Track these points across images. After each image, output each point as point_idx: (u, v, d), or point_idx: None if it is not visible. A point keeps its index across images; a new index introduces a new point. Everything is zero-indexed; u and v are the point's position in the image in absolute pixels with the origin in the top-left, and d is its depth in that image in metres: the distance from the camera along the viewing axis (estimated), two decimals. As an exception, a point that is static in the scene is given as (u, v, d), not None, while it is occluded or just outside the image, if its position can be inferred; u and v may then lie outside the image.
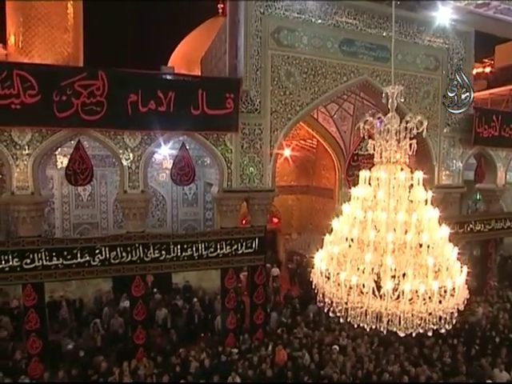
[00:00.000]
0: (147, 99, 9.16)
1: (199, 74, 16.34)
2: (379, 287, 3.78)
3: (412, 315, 3.72)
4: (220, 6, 23.29)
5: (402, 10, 11.81)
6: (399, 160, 4.17)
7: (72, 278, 10.08)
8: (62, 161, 13.34)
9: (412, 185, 4.20)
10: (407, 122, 4.14)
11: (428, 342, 9.90)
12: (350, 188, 4.52)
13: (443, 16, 12.20)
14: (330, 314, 4.13)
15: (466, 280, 4.01)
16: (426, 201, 4.15)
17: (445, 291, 3.72)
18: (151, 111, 9.23)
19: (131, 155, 9.73)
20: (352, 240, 4.09)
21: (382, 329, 3.84)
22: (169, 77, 10.73)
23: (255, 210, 11.09)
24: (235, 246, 10.59)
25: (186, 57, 21.22)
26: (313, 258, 4.41)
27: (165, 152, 11.62)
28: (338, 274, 3.98)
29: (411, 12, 12.15)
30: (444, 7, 12.03)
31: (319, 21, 11.04)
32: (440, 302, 3.71)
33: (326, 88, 11.36)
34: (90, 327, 11.06)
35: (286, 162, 18.43)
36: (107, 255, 9.49)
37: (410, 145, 4.20)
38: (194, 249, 10.18)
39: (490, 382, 8.69)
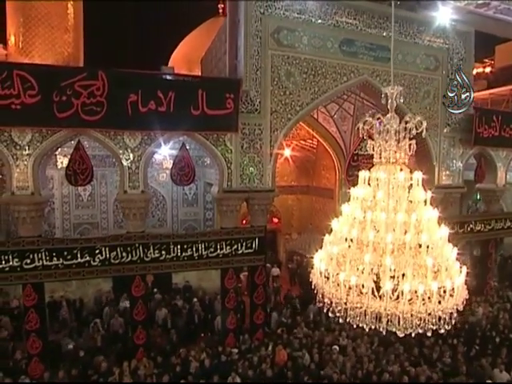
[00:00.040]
0: (147, 99, 9.17)
1: (199, 74, 16.35)
2: (378, 287, 3.78)
3: (411, 315, 3.72)
4: (220, 5, 23.29)
5: (402, 10, 11.82)
6: (398, 160, 4.17)
7: (72, 278, 10.09)
8: (63, 161, 13.35)
9: (411, 185, 4.20)
10: (406, 123, 4.14)
11: (428, 342, 9.90)
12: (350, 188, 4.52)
13: (443, 16, 12.20)
14: (330, 315, 4.13)
15: (466, 280, 4.01)
16: (426, 201, 4.15)
17: (444, 291, 3.72)
18: (151, 111, 9.24)
19: (131, 155, 9.74)
20: (351, 240, 4.09)
21: (381, 329, 3.84)
22: (169, 77, 10.75)
23: (255, 210, 11.09)
24: (235, 246, 10.59)
25: (186, 57, 21.24)
26: (312, 258, 4.42)
27: (165, 152, 11.63)
28: (337, 274, 3.99)
29: (411, 12, 12.16)
30: (444, 7, 12.03)
31: (319, 21, 11.04)
32: (439, 302, 3.71)
33: (326, 88, 11.36)
34: (90, 327, 11.07)
35: (287, 162, 18.43)
36: (107, 255, 9.50)
37: (410, 145, 4.20)
38: (194, 249, 10.18)
39: (489, 382, 8.69)
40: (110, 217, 14.81)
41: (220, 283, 11.12)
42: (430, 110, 12.90)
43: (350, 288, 3.87)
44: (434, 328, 3.79)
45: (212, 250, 10.34)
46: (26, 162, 9.04)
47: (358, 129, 4.30)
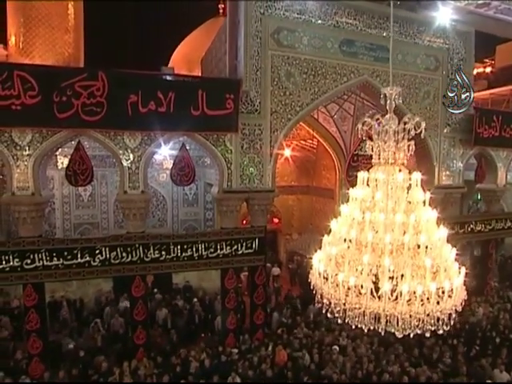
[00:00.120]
0: (147, 100, 9.18)
1: (200, 74, 16.36)
2: (377, 288, 3.79)
3: (410, 316, 3.73)
4: (220, 6, 23.29)
5: (402, 10, 11.81)
6: (397, 161, 4.17)
7: (72, 279, 10.11)
8: (63, 161, 13.36)
9: (410, 186, 4.20)
10: (405, 123, 4.14)
11: (428, 343, 9.89)
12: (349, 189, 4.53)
13: (443, 16, 12.20)
14: (328, 315, 4.13)
15: (465, 281, 4.02)
16: (424, 202, 4.15)
17: (443, 292, 3.72)
18: (151, 112, 9.25)
19: (131, 156, 9.75)
20: (350, 241, 4.10)
21: (380, 330, 3.84)
22: (169, 77, 10.76)
23: (255, 211, 11.10)
24: (235, 247, 10.59)
25: (186, 57, 21.24)
26: (312, 258, 4.42)
27: (165, 152, 11.64)
28: (336, 274, 3.99)
29: (411, 12, 12.15)
30: (444, 7, 12.02)
31: (319, 21, 11.04)
32: (438, 303, 3.72)
33: (326, 88, 11.36)
34: (91, 327, 11.08)
35: (287, 162, 18.44)
36: (107, 255, 9.51)
37: (409, 146, 4.20)
38: (194, 249, 10.19)
39: (490, 382, 8.69)
40: (110, 217, 14.83)
41: (220, 283, 11.12)
42: (430, 111, 12.90)
43: (348, 289, 3.88)
44: (433, 329, 3.79)
45: (212, 250, 10.34)
46: (26, 163, 9.06)
47: (358, 129, 4.30)
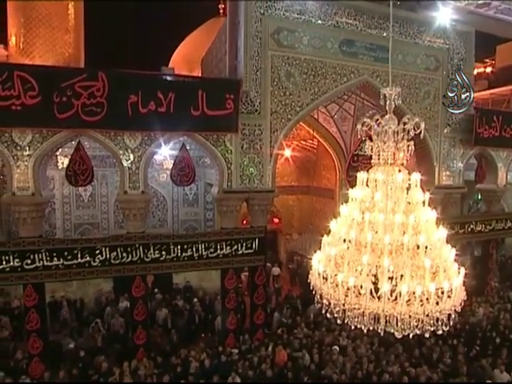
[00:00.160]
0: (147, 100, 9.18)
1: (200, 74, 16.37)
2: (377, 289, 3.79)
3: (409, 316, 3.73)
4: (221, 6, 23.28)
5: (402, 10, 11.81)
6: (397, 161, 4.18)
7: (72, 279, 10.12)
8: (63, 161, 13.37)
9: (410, 186, 4.21)
10: (405, 124, 4.14)
11: (428, 343, 9.89)
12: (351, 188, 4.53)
13: (443, 16, 12.19)
14: (328, 316, 4.14)
15: (464, 281, 4.02)
16: (424, 202, 4.15)
17: (442, 293, 3.73)
18: (151, 112, 9.25)
19: (131, 156, 9.75)
20: (350, 241, 4.10)
21: (379, 330, 3.85)
22: (169, 78, 10.74)
23: (255, 211, 11.10)
24: (235, 247, 10.60)
25: (186, 57, 21.24)
26: (311, 259, 4.43)
27: (165, 152, 11.65)
28: (335, 275, 3.99)
29: (411, 12, 12.15)
30: (444, 7, 12.02)
31: (319, 21, 11.04)
32: (437, 303, 3.72)
33: (326, 88, 11.36)
34: (91, 327, 11.09)
35: (287, 162, 18.43)
36: (107, 256, 9.52)
37: (408, 146, 4.20)
38: (194, 249, 10.19)
39: (490, 382, 8.68)
40: (110, 217, 14.84)
41: (220, 283, 11.12)
42: (430, 111, 12.89)
43: (348, 289, 3.88)
44: (432, 329, 3.79)
45: (212, 250, 10.35)
46: (26, 163, 9.07)
47: (358, 130, 4.31)
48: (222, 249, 10.46)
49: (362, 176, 4.34)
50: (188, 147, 10.65)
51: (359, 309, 3.85)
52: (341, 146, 16.57)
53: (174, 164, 10.48)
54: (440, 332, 3.81)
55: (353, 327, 4.04)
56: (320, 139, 16.86)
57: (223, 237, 10.55)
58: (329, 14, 11.12)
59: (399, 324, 3.76)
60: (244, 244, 10.67)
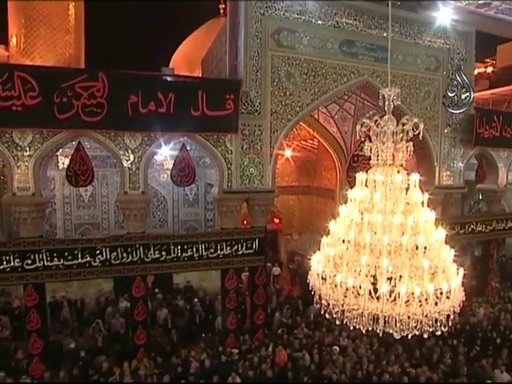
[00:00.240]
0: (147, 100, 9.19)
1: (200, 74, 16.37)
2: (375, 289, 3.79)
3: (408, 317, 3.73)
4: (221, 6, 23.27)
5: (402, 10, 11.80)
6: (396, 162, 4.18)
7: (73, 279, 10.14)
8: (64, 162, 13.39)
9: (409, 186, 4.21)
10: (404, 124, 4.15)
11: (428, 343, 9.88)
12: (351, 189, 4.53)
13: (444, 16, 12.18)
14: (327, 316, 4.14)
15: (464, 282, 4.02)
16: (423, 203, 4.15)
17: (441, 293, 3.73)
18: (151, 112, 9.26)
19: (132, 156, 9.77)
20: (348, 242, 4.10)
21: (378, 331, 3.85)
22: (169, 78, 10.75)
23: (255, 211, 11.11)
24: (235, 247, 10.60)
25: (187, 57, 21.25)
26: (310, 259, 4.43)
27: (165, 153, 11.67)
28: (334, 275, 4.00)
29: (412, 12, 12.13)
30: (445, 7, 12.00)
31: (319, 22, 11.04)
32: (436, 304, 3.72)
33: (326, 89, 11.36)
34: (91, 327, 11.10)
35: (287, 162, 18.43)
36: (108, 256, 9.53)
37: (407, 147, 4.20)
38: (195, 249, 10.20)
39: (490, 382, 8.68)
40: (110, 217, 14.85)
41: (220, 284, 11.13)
42: (430, 111, 12.88)
43: (347, 289, 3.88)
44: (431, 330, 3.79)
45: (212, 250, 10.36)
46: (26, 163, 9.09)
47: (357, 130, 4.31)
48: (222, 249, 10.46)
49: (360, 177, 4.34)
50: (188, 147, 10.66)
51: (358, 309, 3.85)
52: (341, 147, 16.56)
53: (174, 164, 10.49)
54: (439, 333, 3.81)
55: (352, 328, 4.04)
56: (320, 139, 16.85)
57: (223, 237, 10.56)
58: (329, 15, 11.12)
59: (398, 325, 3.76)
60: (244, 244, 10.68)
